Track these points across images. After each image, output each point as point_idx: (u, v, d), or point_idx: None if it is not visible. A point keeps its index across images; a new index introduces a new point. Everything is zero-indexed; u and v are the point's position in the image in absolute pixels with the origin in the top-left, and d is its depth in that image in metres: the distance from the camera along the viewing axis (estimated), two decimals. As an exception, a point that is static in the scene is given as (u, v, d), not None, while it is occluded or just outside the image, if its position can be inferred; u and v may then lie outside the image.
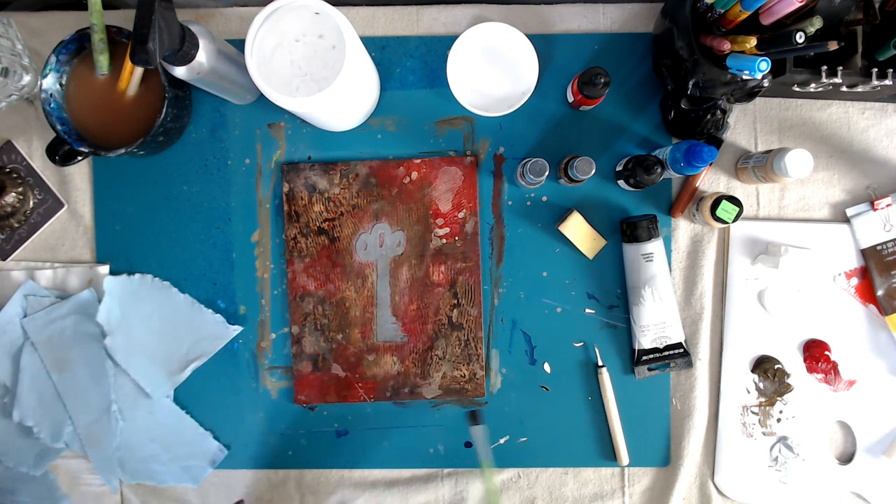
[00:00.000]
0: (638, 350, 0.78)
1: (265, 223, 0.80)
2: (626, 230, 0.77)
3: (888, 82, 0.68)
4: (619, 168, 0.77)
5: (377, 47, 0.79)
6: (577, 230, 0.78)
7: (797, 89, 0.71)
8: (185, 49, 0.61)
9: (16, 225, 0.79)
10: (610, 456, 0.80)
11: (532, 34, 0.76)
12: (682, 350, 0.78)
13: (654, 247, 0.76)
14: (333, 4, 0.62)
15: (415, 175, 0.79)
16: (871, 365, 0.79)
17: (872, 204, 0.78)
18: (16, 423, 0.79)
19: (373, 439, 0.81)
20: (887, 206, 0.77)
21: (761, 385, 0.79)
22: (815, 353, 0.78)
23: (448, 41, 0.76)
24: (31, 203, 0.80)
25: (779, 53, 0.61)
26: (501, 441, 0.80)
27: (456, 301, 0.79)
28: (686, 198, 0.79)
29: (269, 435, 0.81)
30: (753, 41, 0.63)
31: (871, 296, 0.79)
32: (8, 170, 0.79)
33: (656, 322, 0.77)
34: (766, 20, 0.64)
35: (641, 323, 0.77)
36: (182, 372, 0.79)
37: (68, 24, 0.78)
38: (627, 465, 0.80)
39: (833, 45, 0.59)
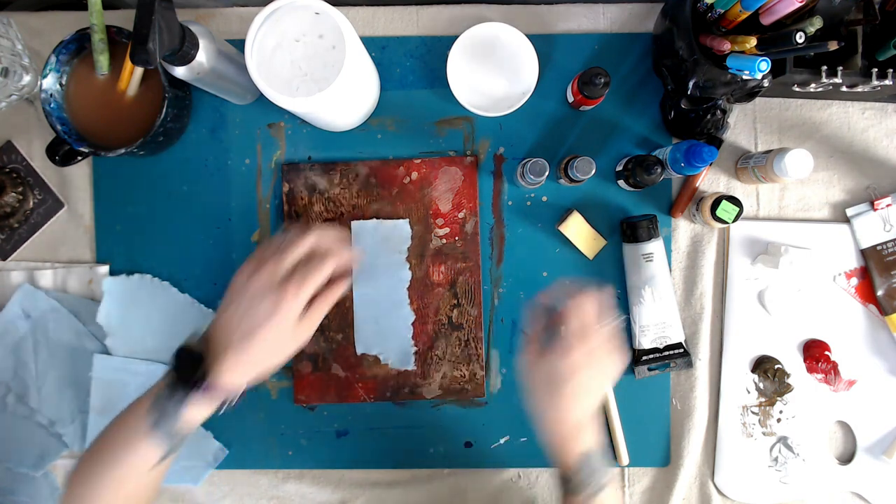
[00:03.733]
0: (638, 350, 0.78)
1: (265, 223, 0.80)
2: (626, 230, 0.77)
3: (888, 82, 0.68)
4: (619, 168, 0.77)
5: (377, 47, 0.79)
6: (577, 230, 0.78)
7: (797, 89, 0.71)
8: (185, 49, 0.61)
9: (16, 225, 0.79)
10: (610, 456, 0.80)
11: (532, 34, 0.76)
12: (682, 350, 0.78)
13: (654, 247, 0.76)
14: (333, 4, 0.62)
15: (415, 175, 0.79)
16: (871, 365, 0.79)
17: (872, 204, 0.78)
18: (24, 419, 0.79)
19: (373, 439, 0.81)
20: (887, 206, 0.77)
21: (761, 385, 0.79)
22: (815, 353, 0.78)
23: (448, 41, 0.76)
24: (31, 203, 0.80)
25: (779, 53, 0.61)
26: (501, 441, 0.80)
27: (456, 301, 0.79)
28: (686, 198, 0.79)
29: (269, 435, 0.81)
30: (753, 41, 0.63)
31: (871, 296, 0.79)
32: (8, 170, 0.79)
33: (656, 322, 0.77)
34: (766, 20, 0.64)
35: (641, 323, 0.77)
36: (182, 372, 0.79)
37: (68, 24, 0.78)
38: (627, 465, 0.80)
39: (833, 45, 0.59)
